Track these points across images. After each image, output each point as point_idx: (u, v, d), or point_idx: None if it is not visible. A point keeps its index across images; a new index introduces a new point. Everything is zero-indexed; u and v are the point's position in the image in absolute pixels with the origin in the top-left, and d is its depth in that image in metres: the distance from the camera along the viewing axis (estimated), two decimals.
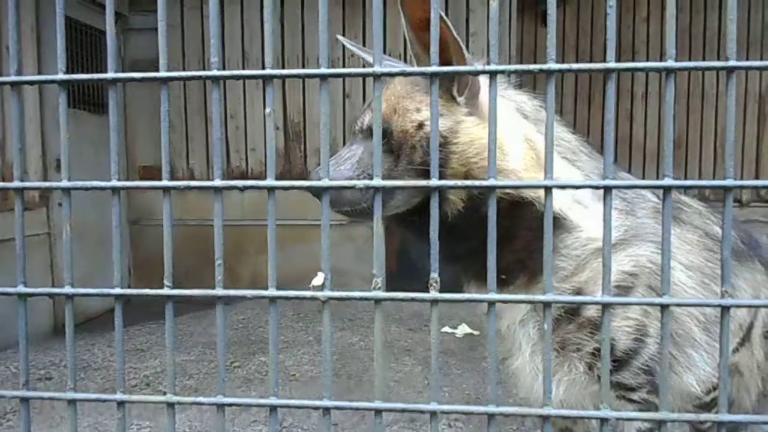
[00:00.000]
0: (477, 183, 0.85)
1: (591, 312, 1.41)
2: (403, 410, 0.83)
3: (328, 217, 0.81)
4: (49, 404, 2.89)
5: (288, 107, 5.43)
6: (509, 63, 5.31)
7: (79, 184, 0.85)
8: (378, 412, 0.82)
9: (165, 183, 0.86)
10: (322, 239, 0.81)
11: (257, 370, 3.37)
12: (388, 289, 0.79)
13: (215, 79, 0.83)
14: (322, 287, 0.81)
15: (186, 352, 3.64)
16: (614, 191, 1.18)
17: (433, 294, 0.81)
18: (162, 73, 0.84)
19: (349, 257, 4.96)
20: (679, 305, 0.77)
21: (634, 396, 1.48)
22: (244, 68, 5.33)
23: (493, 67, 0.80)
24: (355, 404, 0.83)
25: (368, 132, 1.40)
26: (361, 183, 0.83)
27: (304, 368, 3.41)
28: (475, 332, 4.08)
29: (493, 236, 0.79)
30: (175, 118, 5.39)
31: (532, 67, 0.80)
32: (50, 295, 0.88)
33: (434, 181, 0.80)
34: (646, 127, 6.35)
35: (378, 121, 0.80)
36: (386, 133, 1.33)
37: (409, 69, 0.87)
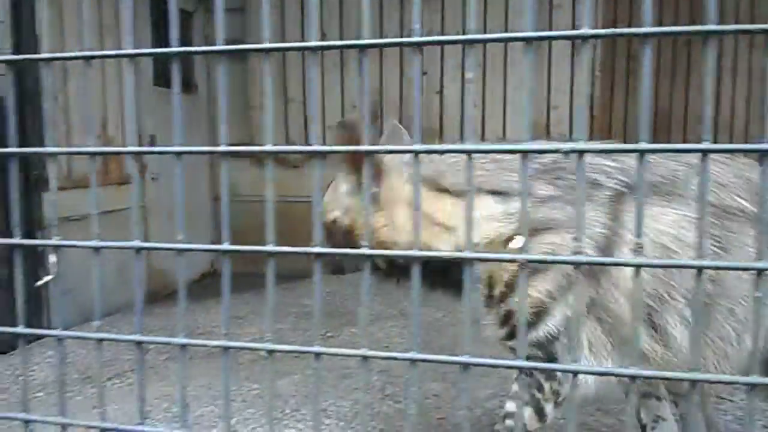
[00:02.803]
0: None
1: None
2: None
3: (527, 184, 0.86)
4: (164, 364, 3.13)
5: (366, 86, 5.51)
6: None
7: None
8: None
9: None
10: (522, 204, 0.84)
11: (350, 340, 3.55)
12: None
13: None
14: (521, 251, 0.85)
15: (281, 321, 3.83)
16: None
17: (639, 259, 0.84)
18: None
19: None
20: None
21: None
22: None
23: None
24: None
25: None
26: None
27: (395, 340, 3.57)
28: None
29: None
30: (257, 98, 5.59)
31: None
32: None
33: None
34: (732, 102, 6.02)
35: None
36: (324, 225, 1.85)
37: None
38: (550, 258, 0.95)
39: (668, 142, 5.87)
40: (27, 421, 1.13)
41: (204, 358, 3.23)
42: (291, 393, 2.83)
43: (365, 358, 0.93)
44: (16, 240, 1.10)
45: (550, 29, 5.12)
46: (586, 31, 0.81)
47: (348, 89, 5.52)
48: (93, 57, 0.97)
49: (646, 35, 0.82)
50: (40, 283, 1.12)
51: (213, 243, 4.04)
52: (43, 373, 3.03)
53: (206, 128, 5.59)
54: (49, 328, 3.40)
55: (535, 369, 1.61)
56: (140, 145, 4.50)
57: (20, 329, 1.12)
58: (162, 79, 4.87)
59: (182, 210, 1.02)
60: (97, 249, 1.04)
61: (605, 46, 5.35)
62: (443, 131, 5.38)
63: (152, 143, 4.57)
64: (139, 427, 1.05)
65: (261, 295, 3.84)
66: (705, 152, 0.80)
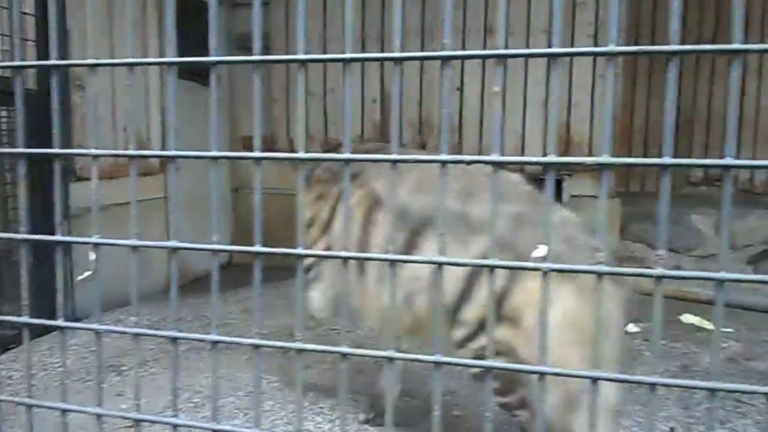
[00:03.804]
0: None
1: None
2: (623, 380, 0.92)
3: (552, 195, 0.90)
4: (184, 355, 3.20)
5: (385, 82, 5.53)
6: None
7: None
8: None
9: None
10: (545, 214, 0.90)
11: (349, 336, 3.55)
12: None
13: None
14: (543, 259, 0.89)
15: (293, 315, 3.87)
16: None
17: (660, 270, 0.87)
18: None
19: None
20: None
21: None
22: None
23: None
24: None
25: None
26: None
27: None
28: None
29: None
30: (278, 91, 5.63)
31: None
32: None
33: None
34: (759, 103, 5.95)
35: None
36: None
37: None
38: (572, 267, 0.98)
39: (690, 142, 5.84)
40: (65, 411, 1.18)
41: (221, 350, 3.28)
42: (309, 387, 2.88)
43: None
44: (58, 237, 1.15)
45: (573, 27, 5.12)
46: (612, 48, 0.83)
47: (368, 86, 5.54)
48: (136, 64, 1.01)
49: (673, 53, 0.84)
50: (80, 278, 1.17)
51: (232, 235, 4.13)
52: (69, 361, 3.11)
53: (227, 120, 5.64)
54: (74, 314, 3.49)
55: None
56: (164, 136, 4.56)
57: (61, 322, 1.17)
58: (186, 71, 4.92)
59: (216, 211, 1.06)
60: (134, 248, 1.09)
61: (628, 37, 5.30)
62: (462, 129, 5.38)
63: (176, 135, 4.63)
64: (173, 419, 1.10)
65: (276, 289, 3.90)
66: (727, 167, 0.82)
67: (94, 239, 1.10)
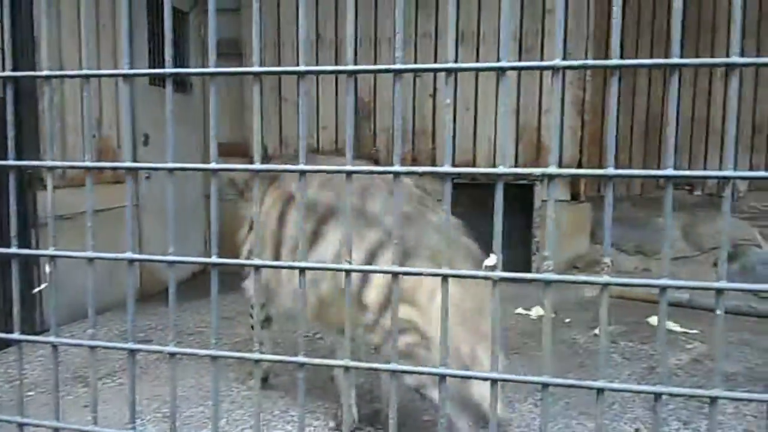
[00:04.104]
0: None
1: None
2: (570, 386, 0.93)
3: (501, 204, 0.91)
4: (154, 365, 3.17)
5: (359, 87, 5.55)
6: (585, 45, 5.23)
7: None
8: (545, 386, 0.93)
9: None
10: (495, 223, 0.90)
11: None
12: None
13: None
14: (494, 268, 0.91)
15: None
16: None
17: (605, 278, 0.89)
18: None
19: None
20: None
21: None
22: (317, 46, 5.49)
23: None
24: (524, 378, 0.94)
25: None
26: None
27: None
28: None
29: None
30: (251, 97, 5.62)
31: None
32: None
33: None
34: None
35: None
36: None
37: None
38: (523, 276, 1.00)
39: (691, 148, 5.94)
40: (21, 425, 1.17)
41: (192, 360, 3.26)
42: (280, 395, 2.87)
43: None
44: (13, 249, 1.14)
45: (543, 34, 5.19)
46: (558, 62, 0.86)
47: (341, 94, 5.56)
48: (92, 76, 1.01)
49: (616, 67, 0.86)
50: (36, 290, 1.16)
51: (207, 240, 4.13)
52: (35, 372, 3.06)
53: (200, 126, 5.61)
54: (42, 325, 3.43)
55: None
56: (134, 142, 4.52)
57: (16, 335, 1.15)
58: (156, 78, 4.88)
59: (173, 223, 1.06)
60: (90, 260, 1.08)
61: (596, 44, 5.37)
62: (436, 134, 5.43)
63: (146, 142, 4.59)
64: (130, 430, 1.09)
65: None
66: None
67: (50, 251, 1.10)
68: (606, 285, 0.89)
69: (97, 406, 1.14)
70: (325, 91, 5.59)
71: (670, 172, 0.82)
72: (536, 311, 4.31)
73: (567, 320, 4.17)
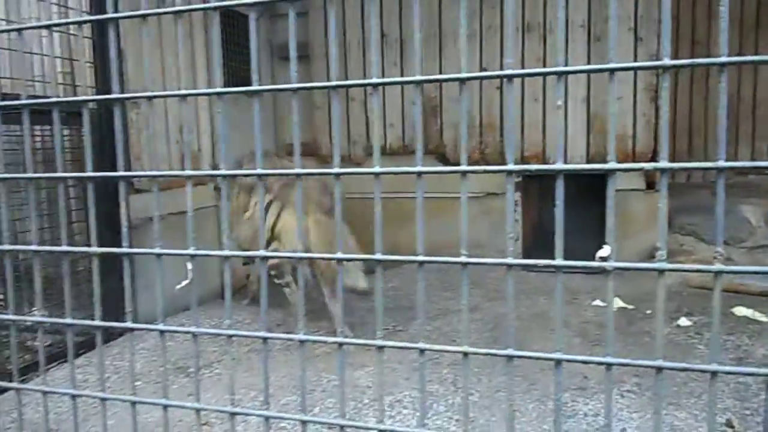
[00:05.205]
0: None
1: None
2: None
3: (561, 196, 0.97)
4: (246, 356, 3.38)
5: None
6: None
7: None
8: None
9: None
10: (556, 213, 0.98)
11: (418, 333, 3.64)
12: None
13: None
14: (607, 258, 0.98)
15: (349, 314, 3.97)
16: None
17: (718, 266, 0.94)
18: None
19: (485, 230, 5.10)
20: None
21: None
22: (383, 46, 5.59)
23: None
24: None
25: None
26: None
27: (461, 333, 3.63)
28: (629, 306, 4.12)
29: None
30: (320, 98, 5.79)
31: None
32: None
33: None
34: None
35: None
36: None
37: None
38: (635, 265, 1.03)
39: (736, 132, 5.71)
40: (166, 407, 1.32)
41: (281, 351, 3.43)
42: (367, 384, 2.98)
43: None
44: (125, 249, 1.29)
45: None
46: (665, 62, 0.90)
47: (407, 90, 5.63)
48: (188, 95, 1.13)
49: (723, 64, 0.89)
50: (179, 286, 1.29)
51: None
52: (138, 364, 3.29)
53: (270, 127, 5.83)
54: (134, 321, 3.68)
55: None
56: (213, 144, 4.77)
57: (129, 324, 1.30)
58: (231, 84, 5.14)
59: (262, 227, 1.17)
60: (192, 256, 1.21)
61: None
62: (503, 127, 5.42)
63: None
64: (265, 412, 1.22)
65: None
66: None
67: (157, 250, 1.23)
68: (719, 272, 0.93)
69: (231, 387, 1.25)
70: (391, 88, 5.68)
71: (721, 164, 0.85)
72: (615, 303, 4.25)
73: (648, 311, 4.09)
